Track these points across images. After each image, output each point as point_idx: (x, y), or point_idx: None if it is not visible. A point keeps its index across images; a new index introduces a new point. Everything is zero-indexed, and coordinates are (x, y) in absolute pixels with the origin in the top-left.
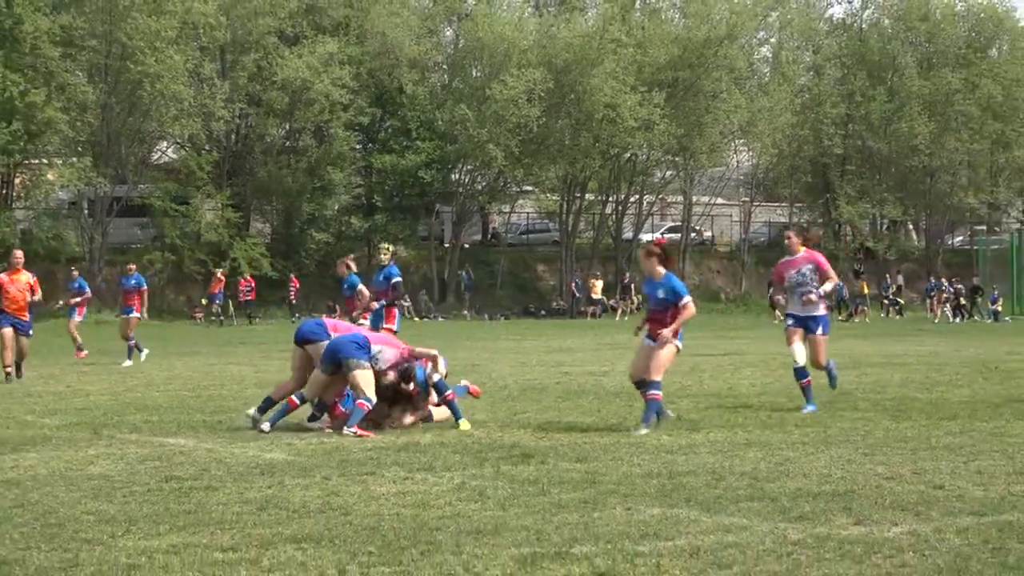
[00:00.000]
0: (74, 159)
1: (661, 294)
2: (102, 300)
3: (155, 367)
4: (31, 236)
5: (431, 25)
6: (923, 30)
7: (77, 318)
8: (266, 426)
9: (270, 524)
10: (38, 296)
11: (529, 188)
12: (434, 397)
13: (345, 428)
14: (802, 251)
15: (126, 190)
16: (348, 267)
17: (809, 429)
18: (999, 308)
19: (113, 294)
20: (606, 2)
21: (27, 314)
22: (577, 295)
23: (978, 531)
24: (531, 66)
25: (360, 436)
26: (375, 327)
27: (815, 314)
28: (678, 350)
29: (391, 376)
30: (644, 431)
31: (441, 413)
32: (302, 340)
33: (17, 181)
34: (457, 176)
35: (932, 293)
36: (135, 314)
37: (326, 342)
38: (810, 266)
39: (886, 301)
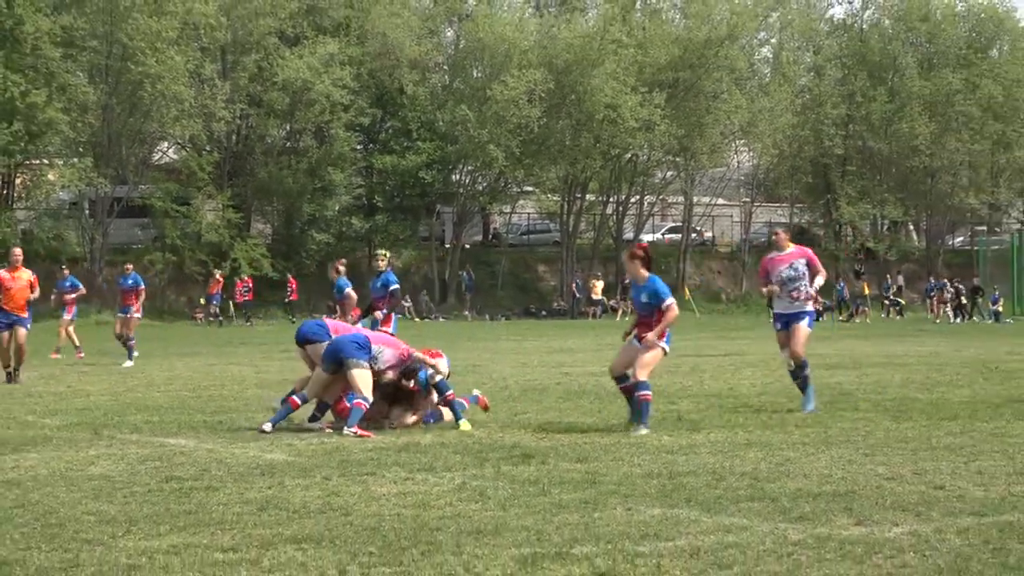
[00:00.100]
0: (75, 159)
1: (644, 298)
2: (103, 300)
3: (155, 367)
4: (32, 236)
5: (432, 26)
6: (924, 30)
7: (67, 316)
8: (267, 426)
9: (270, 524)
10: (36, 294)
11: (530, 189)
12: (435, 397)
13: (345, 428)
14: (791, 247)
15: (127, 190)
16: (338, 271)
17: (809, 429)
18: (1000, 308)
19: (114, 294)
20: (607, 2)
21: (26, 311)
22: (578, 296)
23: (979, 531)
24: (532, 67)
25: (360, 436)
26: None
27: (802, 310)
28: (664, 352)
29: (391, 374)
30: (644, 431)
31: (449, 413)
32: (303, 341)
33: (18, 181)
34: (458, 177)
35: (932, 293)
36: (135, 314)
37: (326, 343)
38: (802, 260)
39: (887, 301)
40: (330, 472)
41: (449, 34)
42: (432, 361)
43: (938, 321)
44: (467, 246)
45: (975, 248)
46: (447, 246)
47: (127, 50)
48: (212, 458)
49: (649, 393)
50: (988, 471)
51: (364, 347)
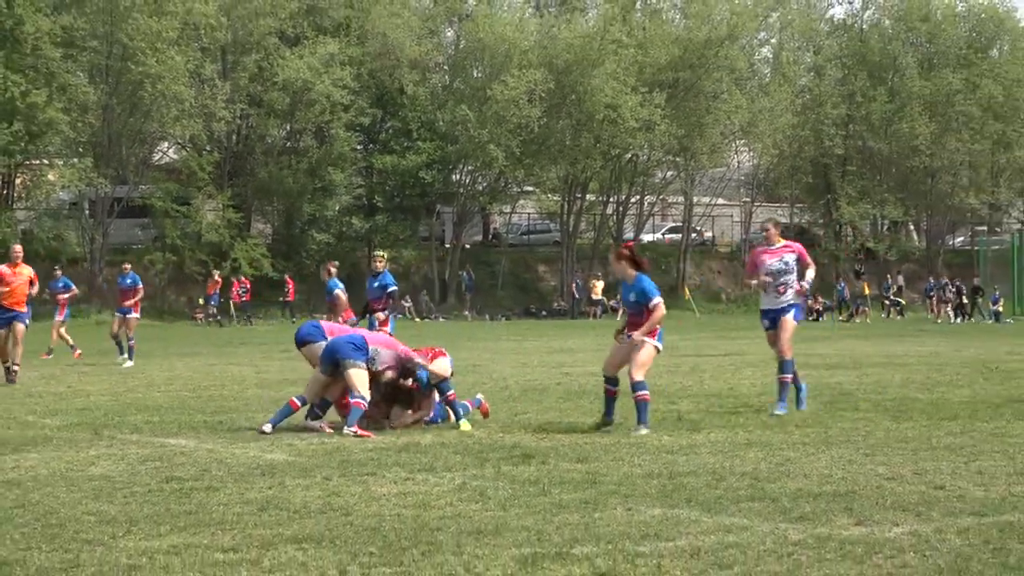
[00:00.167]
0: (75, 160)
1: (632, 297)
2: (103, 301)
3: (156, 367)
4: (32, 236)
5: (432, 26)
6: (924, 30)
7: (59, 318)
8: (267, 427)
9: (271, 525)
10: (36, 289)
11: (530, 189)
12: (435, 397)
13: (345, 428)
14: (782, 242)
15: (127, 191)
16: (329, 272)
17: (810, 429)
18: (1000, 309)
19: (114, 294)
20: (607, 3)
21: (26, 307)
22: (578, 296)
23: (979, 531)
24: (532, 67)
25: (360, 436)
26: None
27: (788, 303)
28: (658, 350)
29: (390, 374)
30: (644, 431)
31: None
32: (300, 342)
33: (18, 181)
34: (458, 177)
35: (931, 293)
36: (134, 314)
37: (322, 343)
38: (792, 255)
39: (887, 301)
40: (330, 472)
41: (449, 34)
42: (427, 363)
43: (939, 321)
44: (467, 246)
45: (975, 248)
46: (447, 246)
47: (127, 50)
48: (212, 458)
49: (647, 393)
50: (988, 471)
51: (361, 348)
